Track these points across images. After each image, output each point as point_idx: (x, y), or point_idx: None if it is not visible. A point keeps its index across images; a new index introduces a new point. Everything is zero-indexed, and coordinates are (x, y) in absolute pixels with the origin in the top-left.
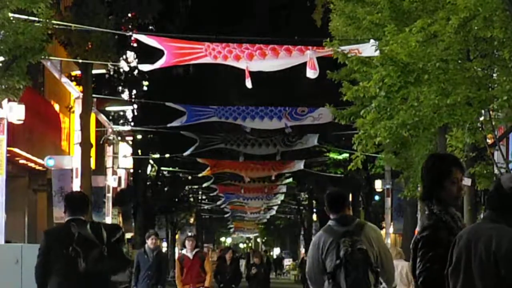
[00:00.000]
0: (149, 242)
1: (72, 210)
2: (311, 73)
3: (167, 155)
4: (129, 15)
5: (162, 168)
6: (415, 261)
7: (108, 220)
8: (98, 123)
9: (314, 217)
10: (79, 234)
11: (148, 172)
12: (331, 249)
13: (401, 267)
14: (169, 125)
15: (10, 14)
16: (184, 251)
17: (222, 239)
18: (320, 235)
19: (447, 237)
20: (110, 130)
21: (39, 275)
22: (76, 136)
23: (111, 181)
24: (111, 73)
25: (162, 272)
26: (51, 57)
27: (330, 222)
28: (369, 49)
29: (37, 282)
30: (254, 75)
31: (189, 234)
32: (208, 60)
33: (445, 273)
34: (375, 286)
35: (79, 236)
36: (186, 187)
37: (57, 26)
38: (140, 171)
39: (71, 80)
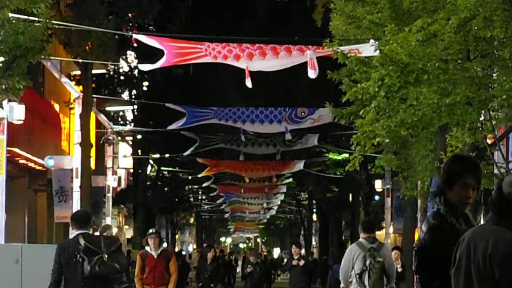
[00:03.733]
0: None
1: (79, 226)
2: (312, 73)
3: (167, 155)
4: (129, 15)
5: (162, 168)
6: (421, 260)
7: (108, 220)
8: (98, 123)
9: (314, 217)
10: (85, 244)
11: (148, 172)
12: (360, 257)
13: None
14: (169, 127)
15: (10, 14)
16: (148, 249)
17: (222, 239)
18: (353, 246)
19: (451, 238)
20: (110, 130)
21: (54, 277)
22: (76, 136)
23: (111, 181)
24: (111, 73)
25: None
26: (51, 57)
27: (361, 239)
28: (369, 49)
29: (51, 282)
30: (254, 75)
31: (151, 230)
32: (208, 59)
33: (449, 274)
34: (387, 286)
35: (85, 246)
36: (186, 187)
37: (57, 26)
38: (140, 171)
39: (71, 80)
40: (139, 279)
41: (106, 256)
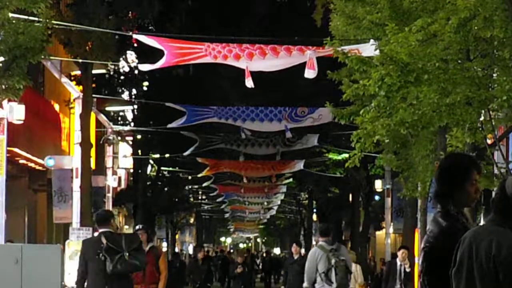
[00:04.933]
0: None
1: (101, 225)
2: (310, 73)
3: (167, 155)
4: (129, 15)
5: (162, 168)
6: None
7: None
8: (98, 123)
9: (314, 217)
10: (107, 243)
11: (148, 172)
12: (323, 258)
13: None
14: (169, 125)
15: (10, 14)
16: None
17: (222, 239)
18: (315, 249)
19: None
20: (110, 130)
21: (79, 274)
22: (76, 136)
23: (111, 181)
24: (111, 73)
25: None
26: (51, 57)
27: (321, 242)
28: (369, 49)
29: (77, 278)
30: (254, 75)
31: (138, 226)
32: (208, 59)
33: (449, 274)
34: (349, 280)
35: (106, 245)
36: (186, 187)
37: (57, 26)
38: (140, 171)
39: (71, 80)
40: None
41: (126, 254)
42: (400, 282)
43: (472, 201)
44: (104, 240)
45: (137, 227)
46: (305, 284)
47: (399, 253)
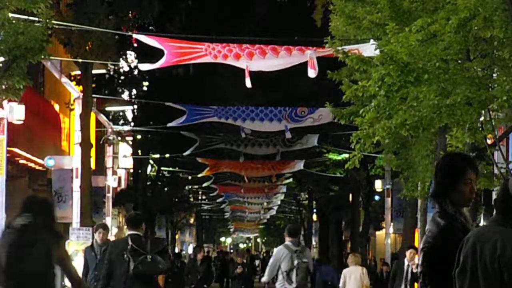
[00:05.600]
0: (97, 236)
1: (131, 227)
2: (312, 72)
3: (167, 155)
4: (129, 15)
5: (162, 168)
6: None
7: (108, 220)
8: (98, 123)
9: (314, 217)
10: (132, 245)
11: (148, 172)
12: (287, 258)
13: (360, 272)
14: (169, 124)
15: (10, 14)
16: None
17: (222, 239)
18: (281, 248)
19: (463, 238)
20: (110, 130)
21: (103, 273)
22: (76, 136)
23: (111, 181)
24: (111, 73)
25: None
26: (51, 57)
27: (287, 242)
28: (369, 49)
29: (102, 276)
30: (254, 75)
31: (99, 222)
32: (208, 59)
33: (452, 274)
34: (309, 281)
35: (131, 246)
36: (186, 187)
37: (57, 26)
38: (140, 171)
39: (71, 80)
40: None
41: (149, 257)
42: (406, 282)
43: (468, 201)
44: (129, 242)
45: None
46: (263, 279)
47: (407, 253)
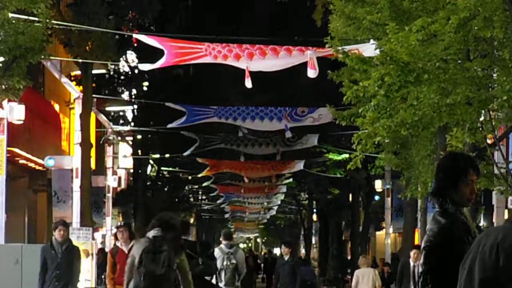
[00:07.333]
0: (56, 234)
1: (183, 233)
2: (312, 72)
3: (167, 155)
4: (129, 15)
5: (162, 168)
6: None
7: (108, 220)
8: (98, 123)
9: (314, 217)
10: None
11: (148, 172)
12: (220, 259)
13: (372, 273)
14: (169, 125)
15: (10, 14)
16: (118, 244)
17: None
18: (216, 250)
19: (466, 236)
20: (110, 130)
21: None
22: (76, 136)
23: (111, 181)
24: (111, 73)
25: (74, 271)
26: (51, 57)
27: (222, 245)
28: (369, 49)
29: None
30: (254, 75)
31: (120, 223)
32: (208, 59)
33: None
34: (237, 280)
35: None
36: (186, 187)
37: (57, 26)
38: (140, 171)
39: (71, 80)
40: (111, 279)
41: (200, 259)
42: (414, 283)
43: (468, 201)
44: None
45: (118, 223)
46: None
47: (411, 253)
